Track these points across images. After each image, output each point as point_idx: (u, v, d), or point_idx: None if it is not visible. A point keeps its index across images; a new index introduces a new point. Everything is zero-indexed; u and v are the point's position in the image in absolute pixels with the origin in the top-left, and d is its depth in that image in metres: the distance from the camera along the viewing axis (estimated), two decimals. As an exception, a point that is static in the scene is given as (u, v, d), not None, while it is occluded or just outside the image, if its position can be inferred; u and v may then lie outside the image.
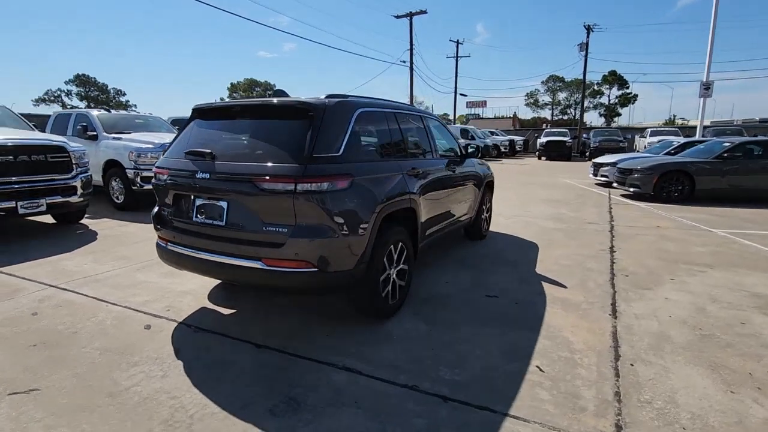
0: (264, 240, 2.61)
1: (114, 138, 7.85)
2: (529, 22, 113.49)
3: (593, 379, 2.50)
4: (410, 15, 27.17)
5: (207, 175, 2.73)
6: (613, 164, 11.18)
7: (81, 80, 50.85)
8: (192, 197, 2.88)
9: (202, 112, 3.11)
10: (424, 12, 26.91)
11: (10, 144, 5.28)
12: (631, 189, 9.83)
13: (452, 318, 3.33)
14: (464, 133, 25.42)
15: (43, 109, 44.32)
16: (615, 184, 10.67)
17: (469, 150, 4.90)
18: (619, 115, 62.82)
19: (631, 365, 2.66)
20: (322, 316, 3.30)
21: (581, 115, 32.50)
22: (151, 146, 7.43)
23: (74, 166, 5.92)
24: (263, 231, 2.61)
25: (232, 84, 60.34)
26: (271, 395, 2.32)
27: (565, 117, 68.97)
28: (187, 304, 3.49)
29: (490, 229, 6.30)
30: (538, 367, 2.64)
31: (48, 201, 5.58)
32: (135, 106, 55.08)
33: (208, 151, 2.79)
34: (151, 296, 3.63)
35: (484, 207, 5.62)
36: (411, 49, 27.80)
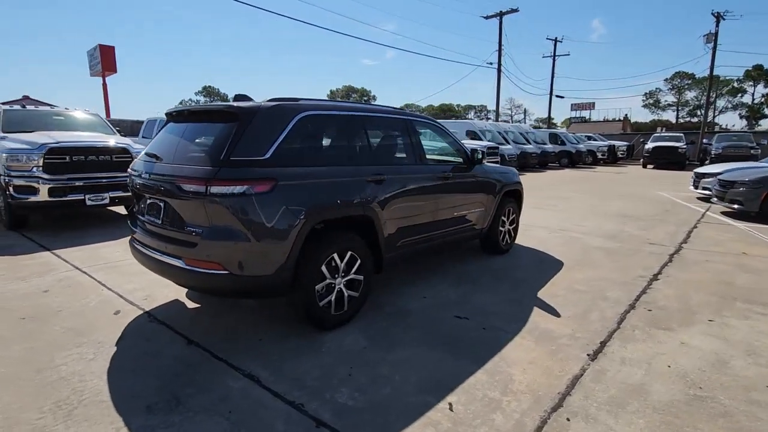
0: (184, 240, 2.69)
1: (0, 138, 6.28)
2: (644, 15, 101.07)
3: (504, 430, 2.11)
4: (500, 14, 26.01)
5: (148, 176, 2.91)
6: (717, 175, 9.41)
7: (207, 91, 58.35)
8: (146, 196, 3.08)
9: (170, 116, 3.32)
10: (516, 11, 25.57)
11: (82, 145, 6.22)
12: (734, 206, 8.19)
13: (400, 337, 3.08)
14: (553, 137, 23.64)
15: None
16: (714, 199, 8.96)
17: (476, 156, 4.50)
18: (765, 117, 52.82)
19: (567, 420, 2.19)
20: (276, 320, 3.29)
21: (704, 117, 27.97)
22: (26, 147, 5.82)
23: None
24: (184, 231, 2.69)
25: (331, 91, 64.05)
26: (161, 391, 2.37)
27: (695, 119, 60.23)
28: (165, 295, 3.75)
29: (520, 242, 5.73)
30: (450, 404, 2.31)
31: (111, 195, 6.44)
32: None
33: (154, 152, 2.97)
34: (141, 285, 3.98)
35: (504, 218, 5.12)
36: (500, 50, 26.62)
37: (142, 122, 12.63)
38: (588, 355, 2.85)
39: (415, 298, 3.78)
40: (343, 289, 3.16)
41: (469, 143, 15.80)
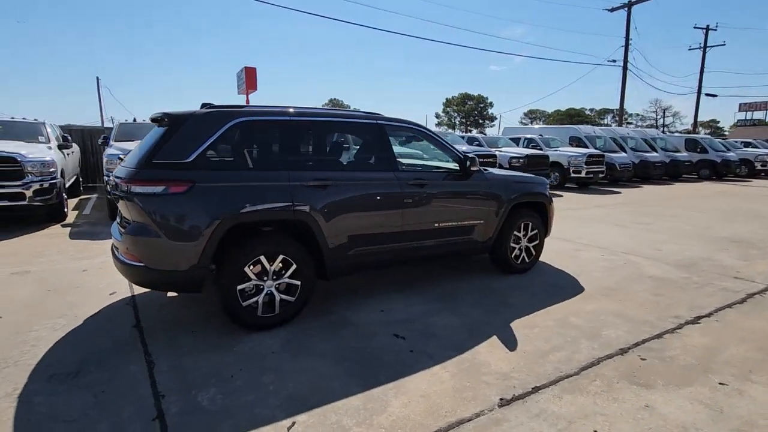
0: (123, 233, 3.01)
1: None
2: None
3: (318, 462, 1.90)
4: (629, 5, 22.89)
5: (115, 177, 3.33)
6: None
7: (333, 103, 63.40)
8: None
9: (152, 121, 3.74)
10: (648, -1, 22.23)
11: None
12: None
13: (316, 347, 2.98)
14: (692, 144, 19.96)
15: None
16: None
17: (468, 164, 4.08)
18: None
19: (398, 467, 1.87)
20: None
21: None
22: (119, 154, 6.87)
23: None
24: (126, 225, 3.02)
25: (447, 99, 63.97)
26: (73, 365, 2.69)
27: None
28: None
29: (556, 263, 5.03)
30: (293, 423, 2.16)
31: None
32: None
33: (123, 157, 3.39)
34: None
35: (517, 234, 4.55)
36: (626, 45, 23.38)
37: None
38: (501, 399, 2.39)
39: (369, 311, 3.61)
40: (275, 292, 3.19)
41: (565, 150, 14.32)
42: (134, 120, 9.89)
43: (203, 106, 3.50)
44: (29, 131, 8.04)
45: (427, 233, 3.93)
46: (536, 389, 2.49)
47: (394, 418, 2.22)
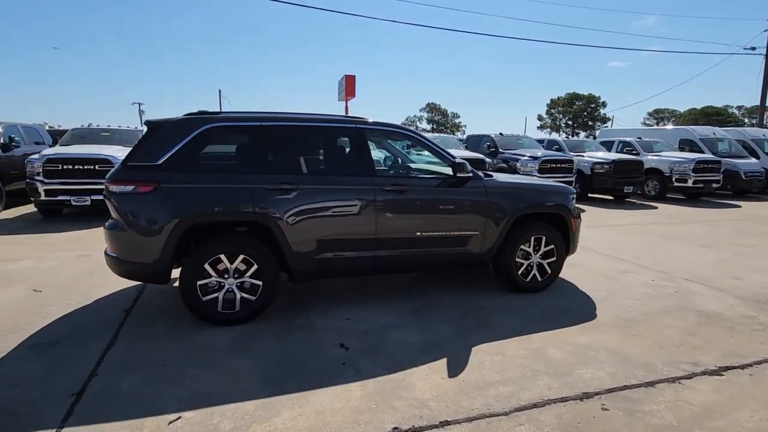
0: (104, 228, 3.39)
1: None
2: None
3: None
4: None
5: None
6: None
7: (430, 107, 63.56)
8: None
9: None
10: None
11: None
12: None
13: (257, 349, 3.02)
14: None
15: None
16: None
17: (460, 170, 3.77)
18: None
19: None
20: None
21: None
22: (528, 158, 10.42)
23: None
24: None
25: (551, 100, 59.61)
26: (56, 337, 3.12)
27: None
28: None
29: (590, 285, 4.44)
30: (179, 418, 2.23)
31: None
32: (465, 126, 63.67)
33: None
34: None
35: (526, 248, 4.09)
36: (771, 31, 19.31)
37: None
38: (395, 428, 2.17)
39: (336, 318, 3.55)
40: (235, 290, 3.32)
41: (668, 156, 12.42)
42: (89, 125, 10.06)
43: (200, 112, 3.80)
44: (130, 137, 9.23)
45: (408, 242, 3.75)
46: (443, 424, 2.22)
47: (271, 429, 2.16)
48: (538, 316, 3.67)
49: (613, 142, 14.47)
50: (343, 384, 2.58)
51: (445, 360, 2.89)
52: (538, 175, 10.49)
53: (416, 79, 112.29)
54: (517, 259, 4.11)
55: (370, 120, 3.87)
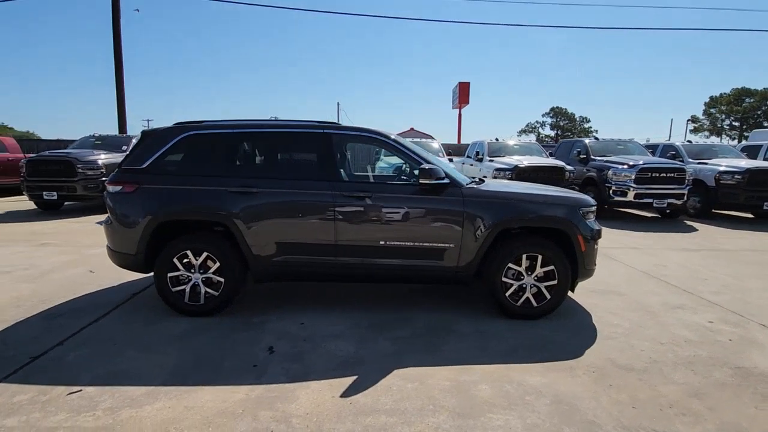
0: (103, 223, 3.95)
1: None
2: None
3: None
4: None
5: None
6: None
7: (555, 112, 58.82)
8: None
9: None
10: None
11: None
12: None
13: (197, 342, 3.22)
14: None
15: (524, 140, 55.04)
16: None
17: (429, 177, 3.47)
18: None
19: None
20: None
21: None
22: (506, 167, 9.36)
23: None
24: None
25: (711, 98, 49.73)
26: (65, 310, 3.77)
27: None
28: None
29: (602, 318, 3.75)
30: (79, 390, 2.52)
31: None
32: (596, 131, 57.45)
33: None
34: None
35: (516, 267, 3.58)
36: None
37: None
38: (235, 437, 2.12)
39: (291, 321, 3.57)
40: (200, 285, 3.60)
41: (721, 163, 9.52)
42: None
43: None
44: (431, 149, 10.83)
45: (371, 251, 3.59)
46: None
47: (134, 415, 2.29)
48: (506, 346, 3.18)
49: (760, 146, 11.64)
50: (235, 385, 2.60)
51: (353, 378, 2.70)
52: (634, 186, 9.02)
53: (539, 81, 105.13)
54: (505, 279, 3.61)
55: (338, 125, 3.82)
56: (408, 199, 3.58)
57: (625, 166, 9.30)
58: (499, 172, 9.26)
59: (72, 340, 3.19)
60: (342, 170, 3.67)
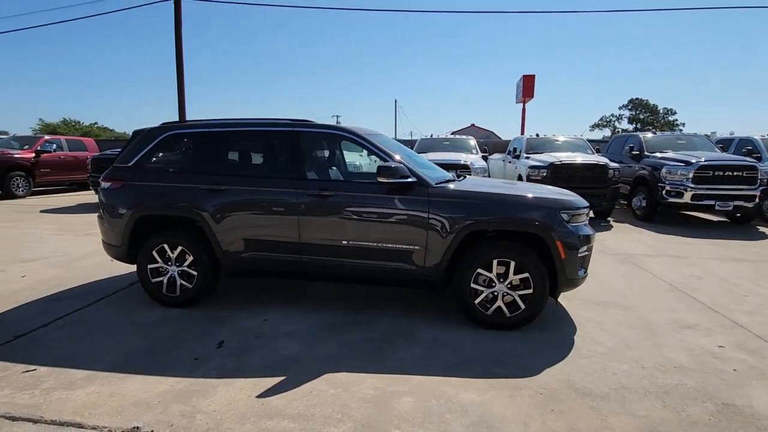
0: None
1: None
2: None
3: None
4: None
5: None
6: None
7: (634, 104, 53.80)
8: None
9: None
10: None
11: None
12: None
13: (160, 333, 3.36)
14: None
15: (595, 134, 51.09)
16: None
17: (390, 174, 3.31)
18: None
19: (-15, 427, 2.18)
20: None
21: None
22: (540, 164, 8.59)
23: None
24: None
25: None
26: (75, 291, 4.15)
27: None
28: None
29: (604, 343, 3.39)
30: (34, 370, 2.75)
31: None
32: (683, 125, 51.71)
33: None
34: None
35: (485, 273, 3.33)
36: None
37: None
38: (135, 427, 2.18)
39: (256, 317, 3.62)
40: (176, 277, 3.77)
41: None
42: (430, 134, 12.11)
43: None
44: (464, 145, 10.99)
45: (334, 250, 3.52)
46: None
47: (64, 398, 2.45)
48: (458, 358, 2.96)
49: None
50: (167, 377, 2.68)
51: (281, 379, 2.67)
52: (692, 186, 8.00)
53: (615, 71, 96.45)
54: (474, 286, 3.37)
55: (311, 123, 3.78)
56: (371, 198, 3.46)
57: (682, 164, 8.27)
58: (533, 170, 8.68)
59: (56, 323, 3.49)
60: (309, 168, 3.62)
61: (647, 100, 53.55)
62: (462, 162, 8.93)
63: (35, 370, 2.76)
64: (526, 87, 34.85)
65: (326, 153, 3.91)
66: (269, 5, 27.18)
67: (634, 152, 9.69)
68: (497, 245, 3.34)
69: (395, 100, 65.43)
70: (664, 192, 8.33)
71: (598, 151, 10.15)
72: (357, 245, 3.48)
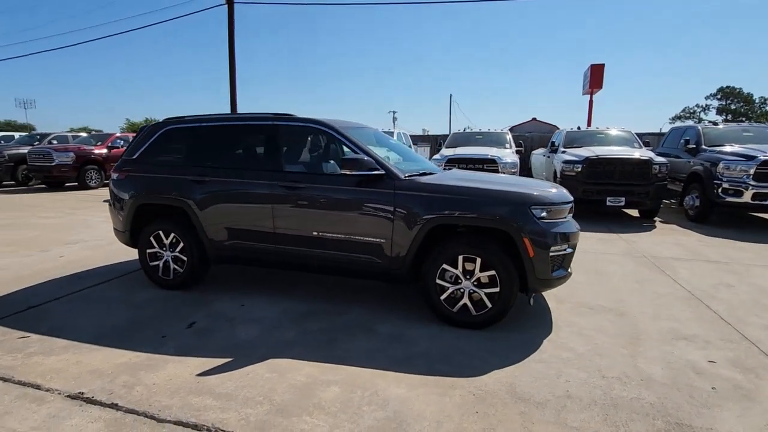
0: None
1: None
2: None
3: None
4: None
5: None
6: None
7: (724, 93, 48.15)
8: None
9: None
10: None
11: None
12: None
13: (142, 315, 3.66)
14: None
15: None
16: None
17: (356, 166, 3.30)
18: None
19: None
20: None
21: None
22: (575, 159, 7.98)
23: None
24: None
25: None
26: (91, 271, 4.63)
27: None
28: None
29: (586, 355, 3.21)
30: (28, 337, 3.12)
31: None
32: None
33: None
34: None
35: (450, 269, 3.24)
36: None
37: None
38: (80, 392, 2.41)
39: (233, 302, 3.80)
40: (170, 261, 4.07)
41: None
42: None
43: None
44: (498, 140, 10.59)
45: (306, 241, 3.60)
46: (113, 406, 2.30)
47: (37, 362, 2.76)
48: (407, 353, 2.91)
49: None
50: (131, 350, 2.92)
51: (227, 360, 2.80)
52: (754, 183, 7.09)
53: (701, 57, 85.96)
54: (440, 282, 3.28)
55: (290, 116, 3.87)
56: (340, 190, 3.49)
57: (743, 159, 7.34)
58: (567, 165, 8.14)
59: (66, 298, 3.92)
60: (284, 161, 3.72)
61: (740, 89, 47.81)
62: (489, 156, 8.63)
63: (29, 337, 3.13)
64: (594, 77, 32.53)
65: (303, 146, 3.98)
66: (331, 3, 27.82)
67: (689, 146, 8.75)
68: (463, 241, 3.23)
69: (450, 95, 64.19)
70: (720, 190, 7.45)
71: (647, 144, 9.28)
72: (327, 236, 3.53)
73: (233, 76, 15.60)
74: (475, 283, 3.22)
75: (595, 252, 5.69)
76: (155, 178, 4.06)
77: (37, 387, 2.48)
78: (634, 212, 8.82)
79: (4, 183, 13.84)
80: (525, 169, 14.75)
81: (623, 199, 7.74)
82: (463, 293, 3.25)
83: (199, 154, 4.01)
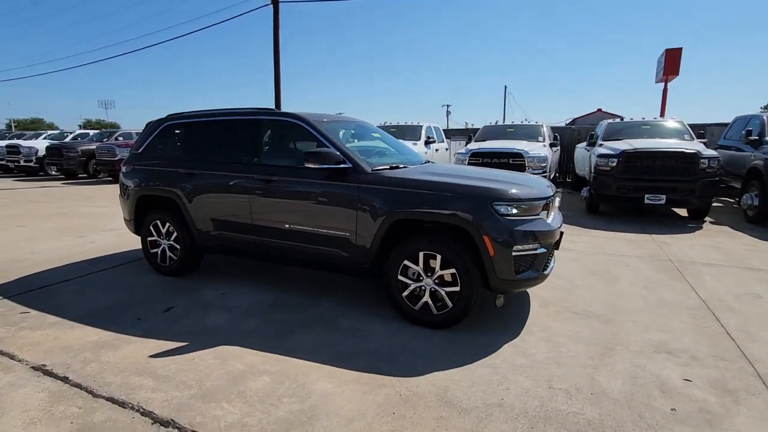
0: None
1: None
2: None
3: (-20, 327, 3.19)
4: None
5: None
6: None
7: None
8: None
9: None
10: None
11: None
12: None
13: (133, 298, 3.93)
14: None
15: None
16: None
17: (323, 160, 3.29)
18: None
19: (-39, 348, 2.87)
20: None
21: None
22: (611, 153, 7.31)
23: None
24: None
25: None
26: (108, 257, 5.05)
27: None
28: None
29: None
30: (27, 312, 3.48)
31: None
32: None
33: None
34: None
35: (412, 266, 3.16)
36: None
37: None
38: (43, 365, 2.65)
39: (215, 289, 3.97)
40: (166, 250, 4.34)
41: None
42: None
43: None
44: (531, 132, 9.81)
45: (279, 233, 3.67)
46: (64, 379, 2.51)
47: (21, 336, 3.06)
48: (353, 349, 2.88)
49: None
50: (104, 330, 3.15)
51: (182, 344, 2.93)
52: (822, 180, 6.14)
53: None
54: (402, 278, 3.21)
55: (271, 110, 3.94)
56: (308, 183, 3.50)
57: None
58: (602, 160, 7.53)
59: (75, 280, 4.31)
60: (262, 154, 3.80)
61: None
62: (516, 150, 8.22)
63: (29, 312, 3.49)
64: (669, 63, 29.59)
65: (280, 140, 4.03)
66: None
67: (751, 137, 7.76)
68: (425, 237, 3.12)
69: (504, 86, 61.23)
70: (780, 188, 6.56)
71: (701, 136, 8.36)
72: (297, 229, 3.57)
73: (277, 71, 16.17)
74: (437, 281, 3.10)
75: (614, 254, 5.25)
76: (154, 170, 4.33)
77: (12, 357, 2.76)
78: (683, 212, 8.01)
79: (79, 175, 15.47)
80: (567, 164, 13.95)
81: (663, 196, 7.03)
82: (424, 291, 3.15)
83: (190, 147, 4.22)
